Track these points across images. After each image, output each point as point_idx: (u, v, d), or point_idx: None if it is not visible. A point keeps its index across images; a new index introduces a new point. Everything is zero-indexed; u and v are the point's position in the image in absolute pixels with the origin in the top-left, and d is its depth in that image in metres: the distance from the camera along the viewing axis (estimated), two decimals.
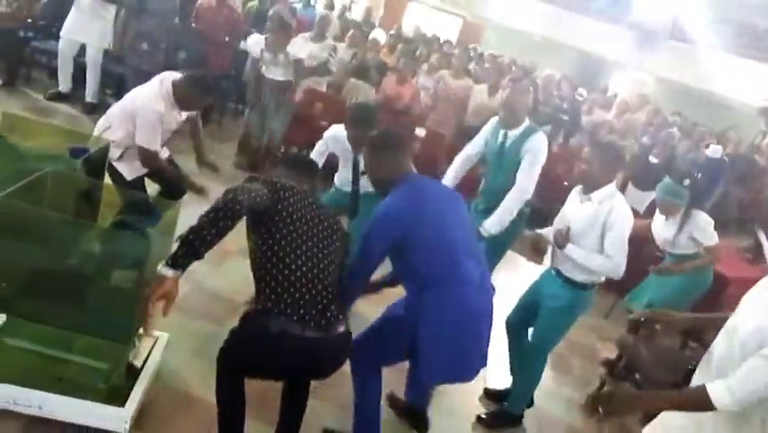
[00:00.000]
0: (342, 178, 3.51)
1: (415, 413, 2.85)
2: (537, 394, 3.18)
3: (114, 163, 3.07)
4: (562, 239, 2.75)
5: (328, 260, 2.12)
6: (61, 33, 5.36)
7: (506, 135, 3.33)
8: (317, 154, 3.38)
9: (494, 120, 3.47)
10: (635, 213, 3.39)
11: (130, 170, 3.12)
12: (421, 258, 2.18)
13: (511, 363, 3.16)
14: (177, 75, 3.15)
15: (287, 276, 2.00)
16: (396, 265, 2.34)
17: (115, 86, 5.74)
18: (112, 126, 3.05)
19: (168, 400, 2.53)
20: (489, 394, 3.28)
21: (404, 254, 2.20)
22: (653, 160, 5.99)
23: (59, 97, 5.61)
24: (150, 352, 2.55)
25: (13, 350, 2.24)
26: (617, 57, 14.63)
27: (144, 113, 2.99)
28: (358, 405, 2.41)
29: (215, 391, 2.11)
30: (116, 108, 3.11)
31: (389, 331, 2.33)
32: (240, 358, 2.07)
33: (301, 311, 1.98)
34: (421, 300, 2.19)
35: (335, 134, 3.35)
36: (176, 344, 2.77)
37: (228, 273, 3.56)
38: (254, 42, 5.21)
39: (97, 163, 2.75)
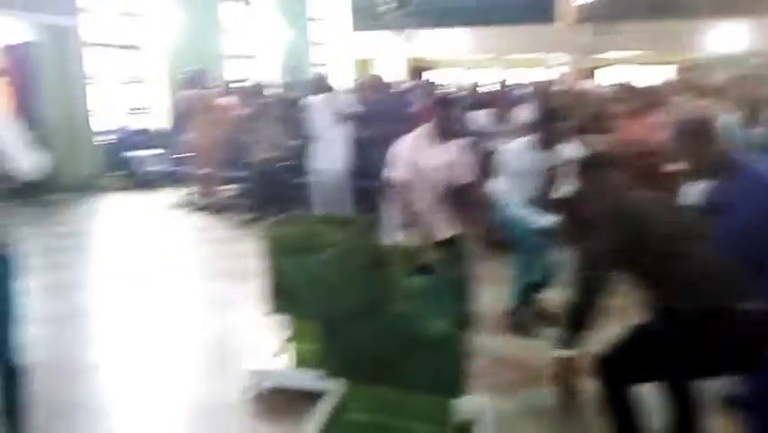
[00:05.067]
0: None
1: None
2: None
3: None
4: None
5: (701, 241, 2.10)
6: (310, 166, 6.12)
7: None
8: None
9: None
10: None
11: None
12: None
13: None
14: None
15: (682, 273, 2.00)
16: None
17: (365, 200, 6.28)
18: None
19: None
20: None
21: None
22: None
23: None
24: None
25: (353, 423, 2.32)
26: None
27: None
28: None
29: (607, 407, 2.11)
30: None
31: None
32: (652, 359, 2.07)
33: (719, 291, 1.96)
34: None
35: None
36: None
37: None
38: (480, 116, 5.39)
39: None
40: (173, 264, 5.22)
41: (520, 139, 3.52)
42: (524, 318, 3.65)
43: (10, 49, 8.27)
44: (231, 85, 9.10)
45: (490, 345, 3.33)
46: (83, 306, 4.15)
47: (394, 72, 15.00)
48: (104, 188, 8.38)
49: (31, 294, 2.41)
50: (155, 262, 5.25)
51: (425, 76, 16.74)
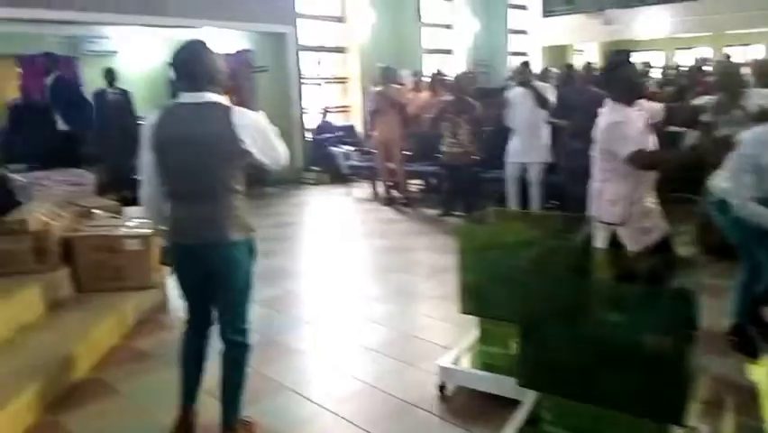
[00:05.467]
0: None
1: None
2: None
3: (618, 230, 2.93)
4: None
5: None
6: (506, 159, 5.91)
7: None
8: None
9: None
10: None
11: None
12: None
13: None
14: None
15: None
16: None
17: (556, 196, 5.95)
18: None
19: None
20: None
21: None
22: None
23: None
24: None
25: None
26: None
27: None
28: None
29: None
30: None
31: None
32: None
33: None
34: None
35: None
36: None
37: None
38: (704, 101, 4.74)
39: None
40: (366, 256, 5.44)
41: (760, 126, 2.98)
42: (750, 336, 3.14)
43: (233, 56, 9.30)
44: (426, 79, 9.27)
45: (711, 365, 2.91)
46: (289, 292, 4.49)
47: (588, 58, 14.09)
48: (307, 182, 9.08)
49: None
50: (350, 253, 5.51)
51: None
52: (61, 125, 6.70)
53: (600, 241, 2.86)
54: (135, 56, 9.96)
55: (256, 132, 2.33)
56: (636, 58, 14.53)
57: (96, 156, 7.41)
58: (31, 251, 3.84)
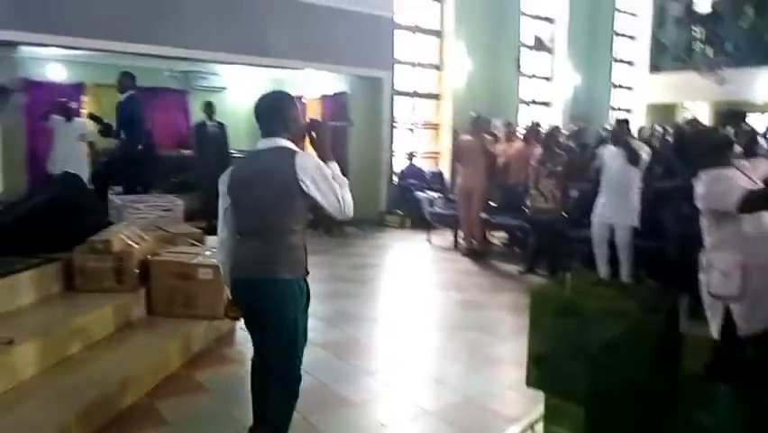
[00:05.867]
0: None
1: None
2: None
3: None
4: None
5: None
6: (592, 219, 5.55)
7: None
8: None
9: None
10: None
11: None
12: None
13: None
14: None
15: None
16: None
17: (652, 263, 5.47)
18: None
19: None
20: None
21: None
22: None
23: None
24: None
25: None
26: None
27: None
28: None
29: None
30: None
31: None
32: None
33: None
34: None
35: None
36: None
37: None
38: None
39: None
40: (438, 309, 5.22)
41: None
42: None
43: (327, 98, 9.61)
44: (519, 129, 9.08)
45: None
46: (354, 337, 4.35)
47: (695, 115, 13.32)
48: (389, 225, 9.03)
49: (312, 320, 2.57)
50: (422, 303, 5.33)
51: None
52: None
53: (712, 320, 2.53)
54: (242, 93, 10.53)
55: (318, 176, 2.35)
56: (752, 120, 13.60)
57: (190, 184, 7.76)
58: (112, 270, 3.98)
